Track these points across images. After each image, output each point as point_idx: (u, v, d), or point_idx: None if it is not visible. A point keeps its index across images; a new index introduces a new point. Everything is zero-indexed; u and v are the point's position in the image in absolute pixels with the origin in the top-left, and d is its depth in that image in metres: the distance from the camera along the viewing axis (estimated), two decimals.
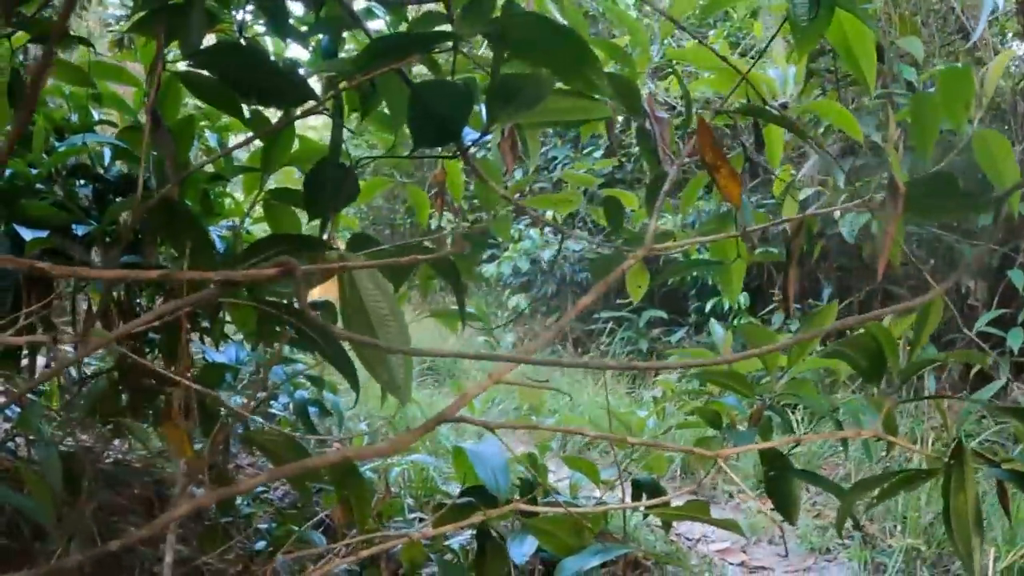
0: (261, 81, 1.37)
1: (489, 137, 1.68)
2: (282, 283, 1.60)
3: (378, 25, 2.16)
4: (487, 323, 2.51)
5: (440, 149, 1.74)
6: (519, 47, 1.30)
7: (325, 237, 1.62)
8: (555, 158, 9.73)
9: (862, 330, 1.84)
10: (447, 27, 1.50)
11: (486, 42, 1.68)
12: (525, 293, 9.20)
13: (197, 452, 1.79)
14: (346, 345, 1.57)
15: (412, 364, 2.36)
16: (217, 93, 1.50)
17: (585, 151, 9.23)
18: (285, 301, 1.59)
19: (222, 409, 2.00)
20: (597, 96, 1.49)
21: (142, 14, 1.54)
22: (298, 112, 1.49)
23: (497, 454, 2.14)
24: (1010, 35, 6.87)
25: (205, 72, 1.47)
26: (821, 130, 6.08)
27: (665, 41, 2.73)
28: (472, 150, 1.60)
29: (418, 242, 1.78)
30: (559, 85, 1.45)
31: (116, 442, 3.34)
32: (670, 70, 3.03)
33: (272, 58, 1.42)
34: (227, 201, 2.77)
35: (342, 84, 1.55)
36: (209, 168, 2.32)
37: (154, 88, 1.33)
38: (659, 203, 1.63)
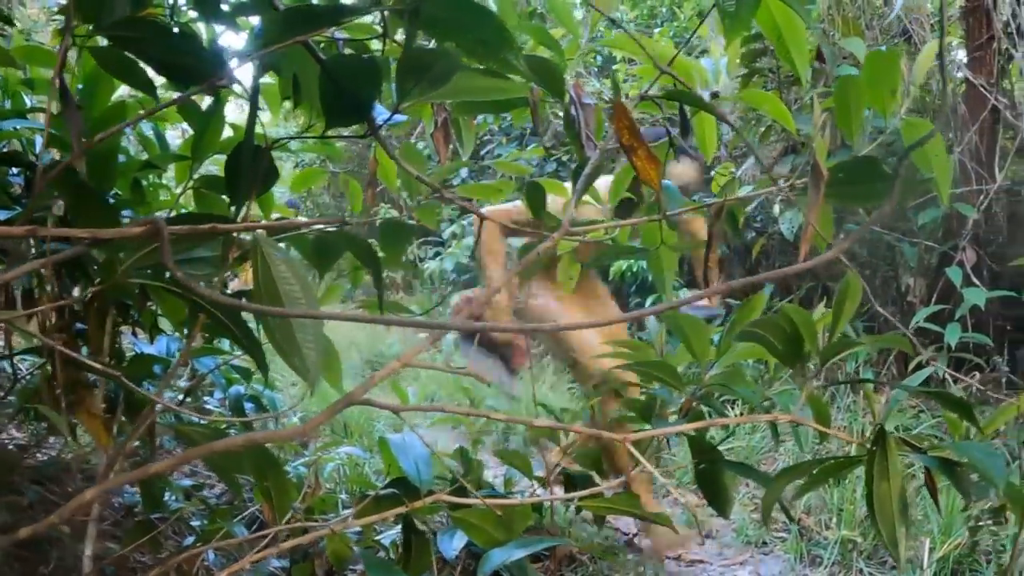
0: (172, 57, 1.34)
1: (404, 119, 1.64)
2: (199, 267, 1.57)
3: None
4: (410, 313, 2.48)
5: (360, 133, 1.70)
6: (435, 25, 1.27)
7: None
8: (500, 155, 9.75)
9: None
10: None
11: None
12: (469, 289, 9.19)
13: (120, 443, 1.75)
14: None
15: (337, 355, 2.34)
16: (125, 68, 1.46)
17: (529, 147, 9.26)
18: (203, 283, 1.55)
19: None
20: (516, 78, 1.46)
21: None
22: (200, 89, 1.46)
23: (419, 444, 2.10)
24: (955, 42, 6.94)
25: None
26: (762, 130, 6.12)
27: (598, 31, 2.71)
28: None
29: (339, 229, 1.74)
30: (477, 66, 1.44)
31: (52, 439, 3.30)
32: (615, 67, 3.03)
33: (183, 34, 1.37)
34: (163, 191, 2.73)
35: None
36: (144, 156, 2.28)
37: (59, 64, 1.29)
38: (580, 189, 1.62)
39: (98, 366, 1.54)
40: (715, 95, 2.22)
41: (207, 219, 1.39)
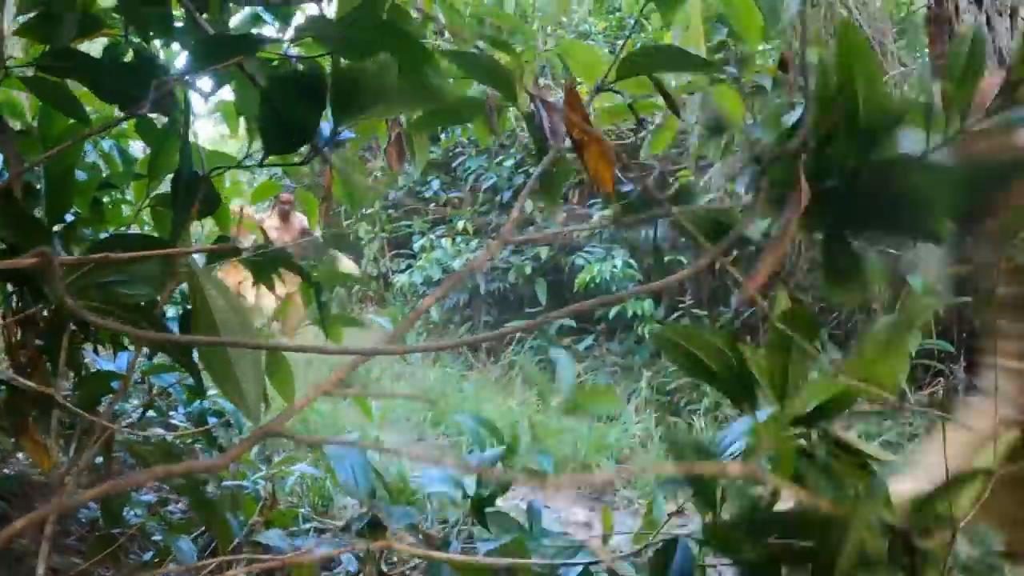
0: (108, 82, 1.35)
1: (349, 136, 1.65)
2: (138, 287, 1.57)
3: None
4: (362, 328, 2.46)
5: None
6: (358, 49, 1.29)
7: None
8: (471, 168, 9.79)
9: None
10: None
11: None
12: (436, 303, 9.21)
13: (71, 461, 1.75)
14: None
15: (291, 373, 2.34)
16: (57, 94, 1.47)
17: (496, 160, 9.30)
18: (142, 303, 1.55)
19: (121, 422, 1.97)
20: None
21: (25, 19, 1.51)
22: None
23: (358, 455, 2.08)
24: (923, 47, 7.01)
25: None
26: (725, 140, 6.15)
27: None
28: None
29: (281, 249, 1.75)
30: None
31: (20, 455, 3.30)
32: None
33: (113, 60, 1.38)
34: (125, 208, 2.73)
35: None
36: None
37: None
38: (531, 185, 1.61)
39: (32, 385, 1.54)
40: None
41: (141, 242, 1.41)
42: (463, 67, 1.67)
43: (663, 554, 1.40)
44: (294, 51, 1.81)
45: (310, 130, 1.40)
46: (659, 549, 1.42)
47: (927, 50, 6.63)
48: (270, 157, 1.44)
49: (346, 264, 6.87)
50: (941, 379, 5.49)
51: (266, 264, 1.71)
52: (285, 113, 1.33)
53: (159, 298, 1.54)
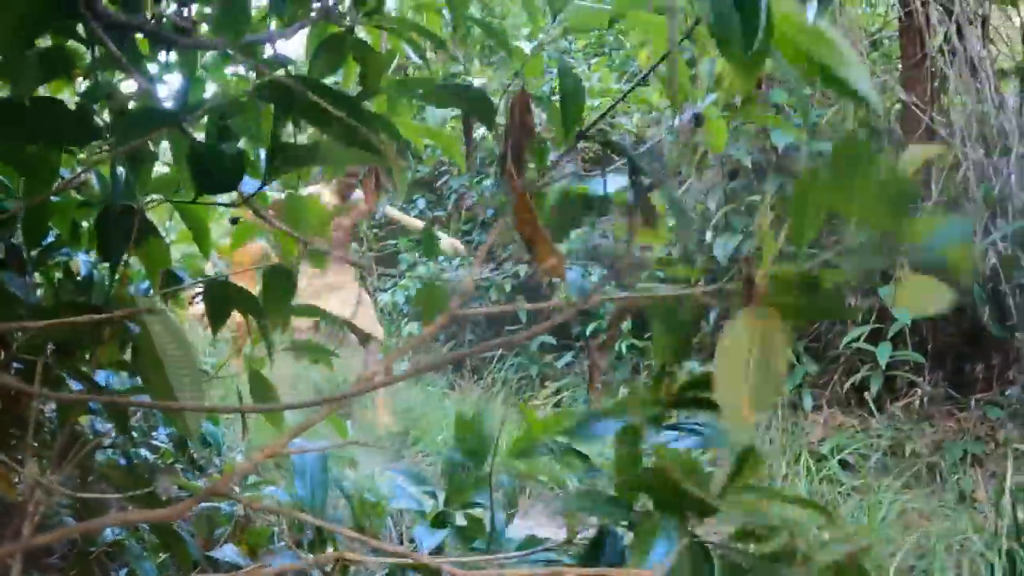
0: (48, 124, 1.38)
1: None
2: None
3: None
4: (323, 357, 2.46)
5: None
6: (304, 113, 1.33)
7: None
8: (454, 187, 9.84)
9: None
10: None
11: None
12: (420, 321, 9.22)
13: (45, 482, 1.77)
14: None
15: (278, 398, 2.37)
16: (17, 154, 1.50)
17: (477, 179, 9.35)
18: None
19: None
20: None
21: None
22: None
23: (320, 470, 2.09)
24: (896, 58, 7.04)
25: None
26: (698, 157, 6.22)
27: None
28: None
29: (224, 280, 1.78)
30: None
31: None
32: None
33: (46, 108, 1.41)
34: None
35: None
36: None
37: None
38: (480, 256, 1.64)
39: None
40: (698, 118, 2.18)
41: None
42: (439, 97, 1.70)
43: (595, 542, 1.44)
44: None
45: (234, 183, 1.44)
46: (592, 539, 1.46)
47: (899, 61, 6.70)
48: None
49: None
50: (917, 389, 5.52)
51: (219, 298, 1.74)
52: (212, 167, 1.38)
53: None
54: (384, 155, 1.38)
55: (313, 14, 1.69)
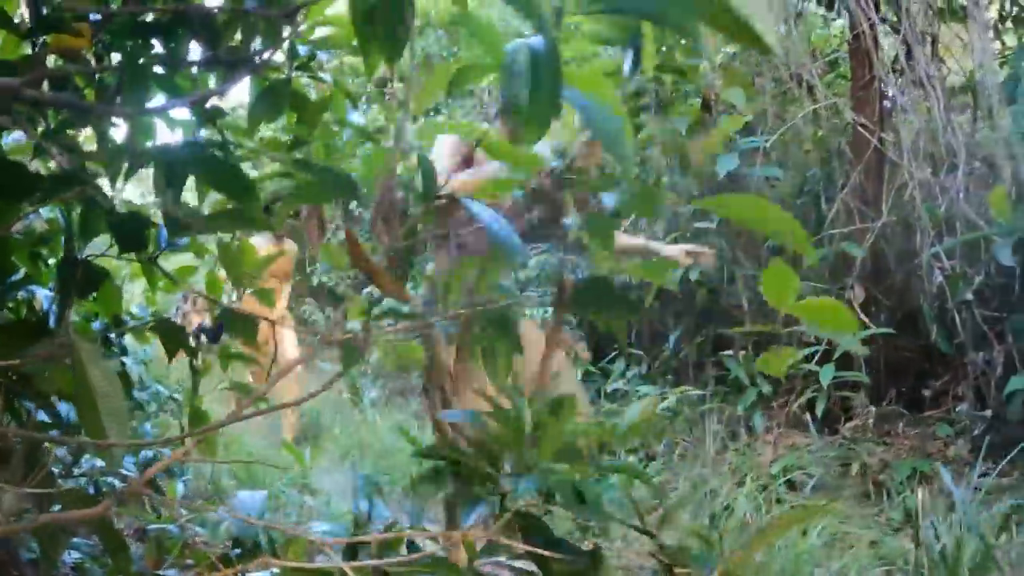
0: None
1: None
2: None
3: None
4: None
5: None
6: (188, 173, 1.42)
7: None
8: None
9: None
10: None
11: None
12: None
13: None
14: None
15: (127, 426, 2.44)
16: None
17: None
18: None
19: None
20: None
21: None
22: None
23: (260, 502, 2.15)
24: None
25: None
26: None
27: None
28: None
29: (164, 319, 1.87)
30: None
31: None
32: None
33: None
34: None
35: None
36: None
37: None
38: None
39: None
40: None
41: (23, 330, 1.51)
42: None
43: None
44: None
45: (141, 243, 1.54)
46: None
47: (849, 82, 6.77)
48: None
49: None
50: (872, 408, 5.58)
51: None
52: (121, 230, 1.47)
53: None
54: (258, 221, 1.47)
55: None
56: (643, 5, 1.13)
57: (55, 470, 2.55)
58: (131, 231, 1.63)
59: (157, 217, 1.88)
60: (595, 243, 1.69)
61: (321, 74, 2.12)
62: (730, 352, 6.28)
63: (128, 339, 2.96)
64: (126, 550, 2.15)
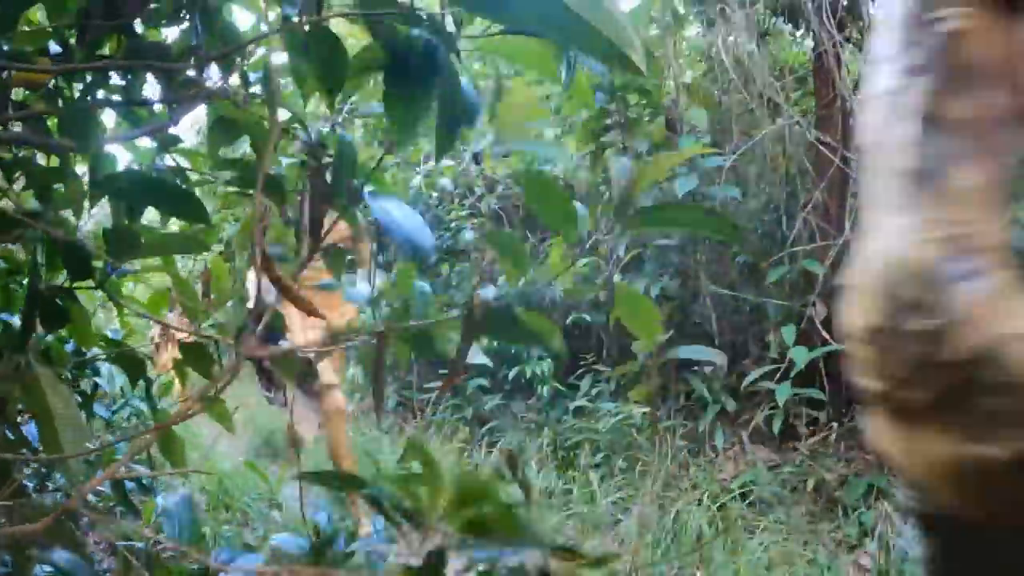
0: None
1: None
2: None
3: None
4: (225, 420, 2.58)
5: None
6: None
7: None
8: None
9: None
10: None
11: None
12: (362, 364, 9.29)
13: None
14: None
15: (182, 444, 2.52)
16: None
17: None
18: None
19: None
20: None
21: None
22: None
23: (185, 509, 2.20)
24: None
25: None
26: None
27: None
28: None
29: (123, 352, 1.93)
30: None
31: None
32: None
33: None
34: None
35: None
36: None
37: None
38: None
39: None
40: None
41: None
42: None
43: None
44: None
45: (89, 271, 1.63)
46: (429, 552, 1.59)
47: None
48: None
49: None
50: (835, 424, 5.63)
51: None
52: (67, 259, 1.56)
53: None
54: (200, 243, 1.56)
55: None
56: (528, 29, 1.20)
57: (29, 484, 2.63)
58: (76, 260, 1.71)
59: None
60: (504, 263, 1.72)
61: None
62: (695, 369, 6.34)
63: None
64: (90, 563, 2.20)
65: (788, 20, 7.13)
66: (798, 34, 7.26)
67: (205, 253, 2.36)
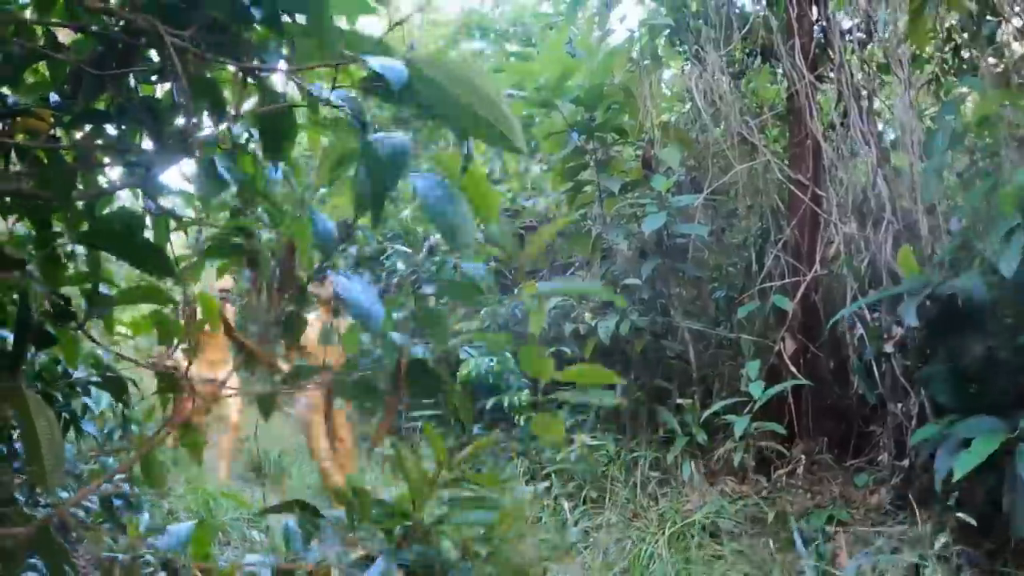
0: None
1: None
2: None
3: None
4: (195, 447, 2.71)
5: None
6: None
7: None
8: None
9: None
10: None
11: None
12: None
13: None
14: None
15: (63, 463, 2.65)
16: None
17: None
18: None
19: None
20: None
21: None
22: None
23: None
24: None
25: None
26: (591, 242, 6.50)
27: None
28: None
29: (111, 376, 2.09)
30: None
31: None
32: None
33: None
34: None
35: None
36: None
37: None
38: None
39: None
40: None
41: None
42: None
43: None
44: None
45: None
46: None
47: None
48: None
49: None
50: (803, 456, 5.74)
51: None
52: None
53: None
54: (165, 297, 1.72)
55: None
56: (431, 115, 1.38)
57: (21, 498, 2.76)
58: (60, 309, 1.92)
59: None
60: (429, 333, 1.89)
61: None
62: (667, 401, 6.48)
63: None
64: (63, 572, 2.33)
65: (763, 60, 7.28)
66: (778, 72, 7.39)
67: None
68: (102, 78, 1.73)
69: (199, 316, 2.35)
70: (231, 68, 1.75)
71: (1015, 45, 6.30)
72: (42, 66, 2.02)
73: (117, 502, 3.43)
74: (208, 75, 1.86)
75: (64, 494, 3.25)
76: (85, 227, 1.88)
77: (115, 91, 1.78)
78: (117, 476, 3.60)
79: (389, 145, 1.38)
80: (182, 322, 2.52)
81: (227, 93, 1.92)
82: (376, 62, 1.25)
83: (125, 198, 2.37)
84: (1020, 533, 4.00)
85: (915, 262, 4.95)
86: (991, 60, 6.25)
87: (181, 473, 5.91)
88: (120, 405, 2.55)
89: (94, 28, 1.74)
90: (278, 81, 1.66)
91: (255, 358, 1.71)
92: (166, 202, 2.13)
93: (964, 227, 5.37)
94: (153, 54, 1.78)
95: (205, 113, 1.87)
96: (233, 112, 1.84)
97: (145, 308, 2.51)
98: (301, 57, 1.60)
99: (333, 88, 1.49)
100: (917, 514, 4.69)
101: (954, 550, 4.29)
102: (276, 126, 1.67)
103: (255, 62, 1.63)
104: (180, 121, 1.85)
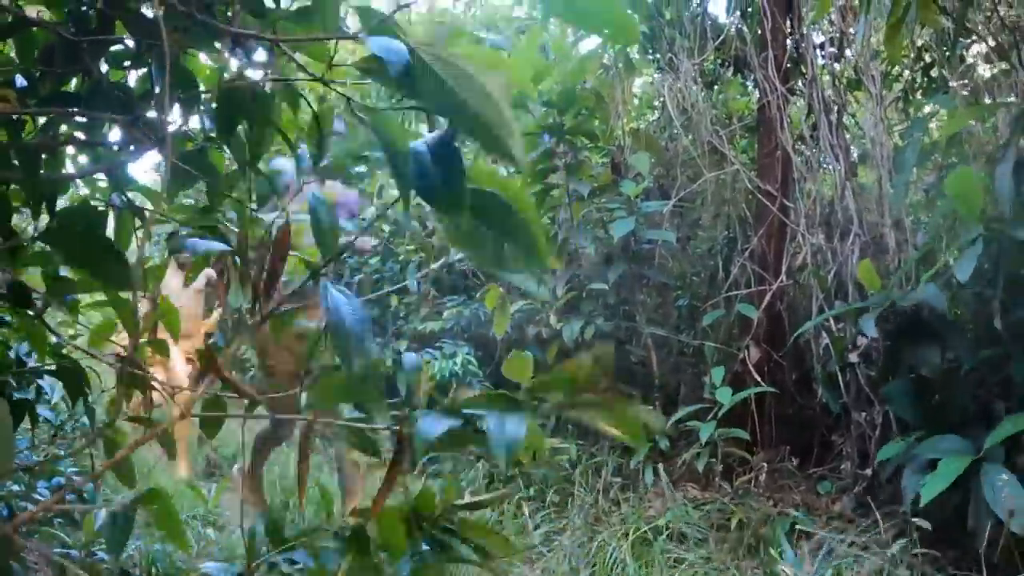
0: None
1: None
2: None
3: None
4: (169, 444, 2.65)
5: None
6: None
7: None
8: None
9: None
10: None
11: None
12: None
13: None
14: None
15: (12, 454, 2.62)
16: None
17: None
18: None
19: None
20: None
21: None
22: None
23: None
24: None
25: None
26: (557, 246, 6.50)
27: None
28: None
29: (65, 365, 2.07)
30: None
31: None
32: None
33: None
34: None
35: None
36: None
37: None
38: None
39: None
40: None
41: None
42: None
43: None
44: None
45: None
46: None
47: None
48: None
49: None
50: (765, 464, 5.76)
51: None
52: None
53: None
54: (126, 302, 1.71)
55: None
56: (441, 111, 1.31)
57: None
58: (17, 294, 1.89)
59: None
60: None
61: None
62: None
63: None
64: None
65: (736, 72, 7.33)
66: (749, 83, 7.43)
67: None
68: (77, 51, 1.69)
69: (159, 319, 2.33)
70: (216, 44, 1.72)
71: (984, 67, 6.37)
72: (7, 45, 1.96)
73: (69, 496, 3.39)
74: (182, 64, 1.84)
75: (15, 486, 3.22)
76: (43, 219, 1.81)
77: (90, 65, 1.73)
78: (70, 470, 3.57)
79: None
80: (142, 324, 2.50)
81: (202, 86, 1.89)
82: (376, 43, 1.17)
83: (86, 189, 2.33)
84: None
85: (876, 275, 4.98)
86: (961, 80, 6.31)
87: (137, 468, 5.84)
88: (78, 397, 2.42)
89: (66, 9, 1.71)
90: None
91: (243, 393, 1.68)
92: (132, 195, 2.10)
93: (927, 241, 5.42)
94: (129, 43, 1.76)
95: (177, 106, 1.85)
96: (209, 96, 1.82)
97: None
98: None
99: (331, 66, 1.44)
100: (880, 522, 4.70)
101: (918, 554, 4.31)
102: (236, 104, 1.61)
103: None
104: (151, 114, 1.83)
